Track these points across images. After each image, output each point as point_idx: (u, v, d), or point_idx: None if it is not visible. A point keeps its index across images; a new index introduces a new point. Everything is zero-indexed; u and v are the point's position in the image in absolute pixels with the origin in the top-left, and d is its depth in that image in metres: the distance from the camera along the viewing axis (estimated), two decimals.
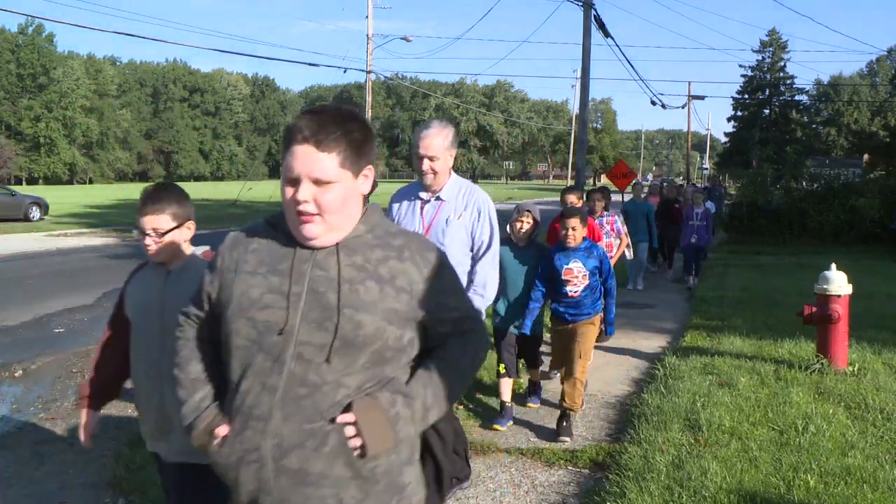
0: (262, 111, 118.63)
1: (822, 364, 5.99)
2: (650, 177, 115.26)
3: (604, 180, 63.84)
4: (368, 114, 33.19)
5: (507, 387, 5.10)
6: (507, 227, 4.79)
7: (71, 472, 4.34)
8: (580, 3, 17.94)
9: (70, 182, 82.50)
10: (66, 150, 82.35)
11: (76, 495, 4.03)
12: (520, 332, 5.04)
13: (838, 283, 6.06)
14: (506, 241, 4.76)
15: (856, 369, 6.03)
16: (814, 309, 6.10)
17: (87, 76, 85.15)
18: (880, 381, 5.70)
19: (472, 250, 3.76)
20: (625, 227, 8.21)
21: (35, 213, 24.47)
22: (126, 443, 4.67)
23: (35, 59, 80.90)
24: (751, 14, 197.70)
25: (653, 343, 7.72)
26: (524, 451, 4.59)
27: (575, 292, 4.96)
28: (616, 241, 7.89)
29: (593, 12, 18.02)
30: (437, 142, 3.57)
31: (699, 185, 31.53)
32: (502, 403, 5.14)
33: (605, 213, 7.87)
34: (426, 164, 3.60)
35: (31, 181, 77.40)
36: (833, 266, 6.15)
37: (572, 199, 6.65)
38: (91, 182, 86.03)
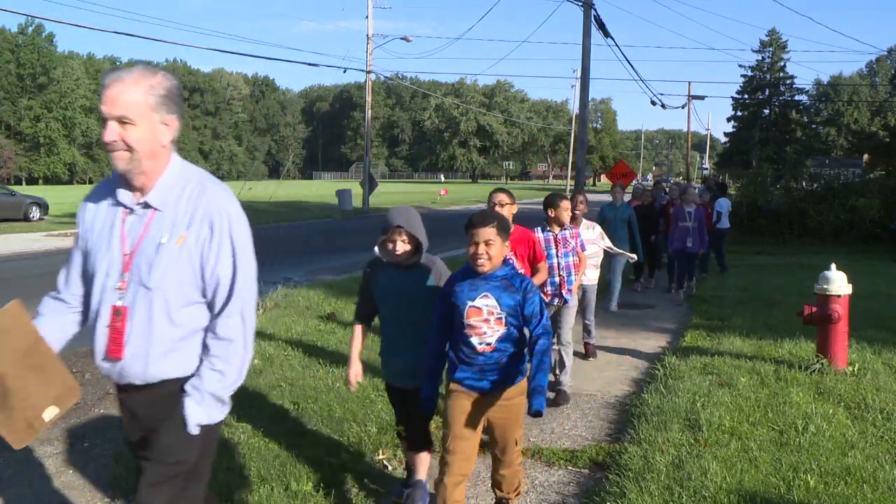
0: (262, 111, 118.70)
1: (822, 364, 5.99)
2: (650, 177, 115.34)
3: (604, 180, 63.88)
4: (368, 114, 33.23)
5: (419, 461, 3.74)
6: (377, 247, 3.52)
7: (71, 472, 4.34)
8: (580, 3, 17.95)
9: (70, 182, 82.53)
10: (65, 150, 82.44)
11: (76, 495, 4.03)
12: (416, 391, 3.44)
13: (838, 283, 6.06)
14: (377, 262, 3.62)
15: (856, 369, 6.03)
16: (814, 309, 6.10)
17: (87, 76, 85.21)
18: (880, 381, 5.70)
19: (205, 297, 2.29)
20: (605, 239, 7.09)
21: (35, 213, 24.48)
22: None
23: (35, 59, 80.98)
24: (751, 14, 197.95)
25: (653, 343, 7.72)
26: (524, 451, 4.57)
27: (485, 345, 3.15)
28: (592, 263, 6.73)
29: (593, 12, 18.04)
30: (132, 96, 2.10)
31: (670, 180, 29.98)
32: (414, 481, 3.76)
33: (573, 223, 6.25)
34: (113, 132, 2.11)
35: (31, 181, 77.46)
36: (833, 266, 6.15)
37: (501, 198, 4.77)
38: (91, 182, 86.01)
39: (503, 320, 3.18)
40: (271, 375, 6.07)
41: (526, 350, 3.26)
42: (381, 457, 4.38)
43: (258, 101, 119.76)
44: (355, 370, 3.72)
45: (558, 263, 5.54)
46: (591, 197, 10.46)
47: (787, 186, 20.04)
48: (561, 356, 5.64)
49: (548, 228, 5.63)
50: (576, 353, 6.52)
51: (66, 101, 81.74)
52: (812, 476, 3.86)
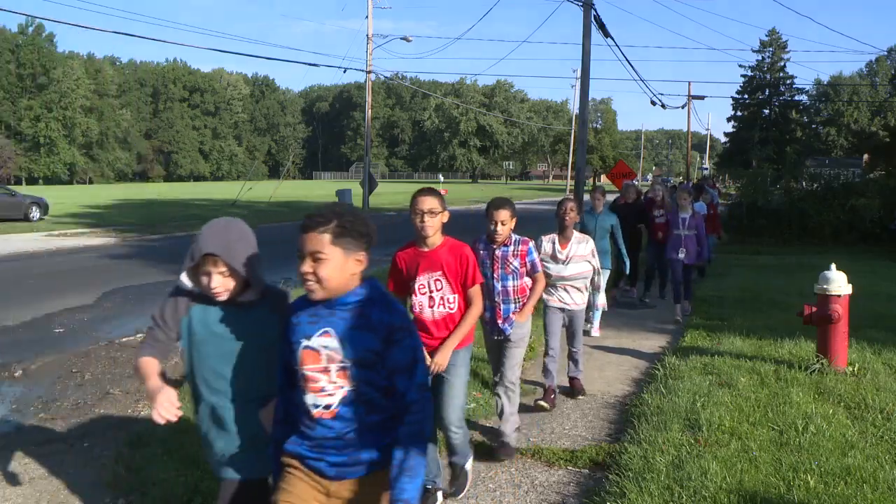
0: (262, 111, 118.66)
1: (822, 364, 5.99)
2: (650, 177, 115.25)
3: (604, 180, 63.89)
4: (368, 114, 33.23)
5: None
6: (184, 275, 2.52)
7: (71, 472, 4.34)
8: (580, 3, 17.94)
9: (70, 182, 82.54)
10: (65, 150, 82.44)
11: (76, 495, 4.03)
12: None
13: (838, 283, 6.06)
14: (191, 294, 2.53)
15: (856, 369, 6.03)
16: (814, 309, 6.10)
17: (86, 76, 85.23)
18: (880, 381, 5.69)
19: None
20: (595, 257, 5.80)
21: (35, 213, 24.48)
22: (126, 443, 4.67)
23: (35, 59, 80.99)
24: (751, 14, 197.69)
25: (653, 343, 7.72)
26: (524, 451, 4.59)
27: (323, 408, 2.17)
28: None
29: (593, 12, 18.02)
30: None
31: (687, 182, 28.39)
32: None
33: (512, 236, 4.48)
34: None
35: (31, 181, 77.45)
36: (833, 266, 6.15)
37: (428, 204, 3.62)
38: (91, 182, 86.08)
39: (347, 372, 2.11)
40: None
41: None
42: None
43: (258, 101, 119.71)
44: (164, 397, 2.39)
45: (492, 287, 4.43)
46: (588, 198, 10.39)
47: (787, 186, 20.03)
48: (501, 399, 4.49)
49: (487, 242, 4.46)
50: (561, 390, 5.78)
51: (66, 101, 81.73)
52: (812, 476, 3.86)
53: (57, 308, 9.53)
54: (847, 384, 5.61)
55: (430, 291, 3.69)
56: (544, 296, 5.45)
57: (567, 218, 5.60)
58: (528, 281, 4.55)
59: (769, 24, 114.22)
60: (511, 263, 4.44)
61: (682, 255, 8.86)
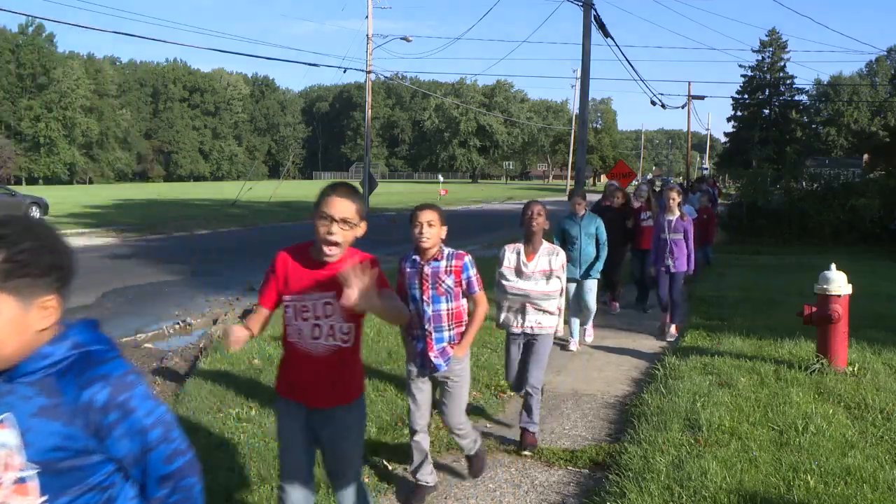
0: (262, 111, 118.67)
1: (822, 364, 5.99)
2: (650, 177, 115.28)
3: (604, 180, 63.81)
4: (368, 114, 33.25)
5: None
6: None
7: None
8: (580, 3, 17.95)
9: (70, 182, 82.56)
10: (65, 150, 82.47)
11: None
12: None
13: (838, 283, 6.06)
14: None
15: (856, 369, 6.03)
16: (814, 309, 6.10)
17: (86, 76, 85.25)
18: (880, 381, 5.69)
19: None
20: (558, 261, 4.63)
21: (35, 213, 24.49)
22: None
23: (35, 60, 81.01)
24: (751, 14, 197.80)
25: (653, 343, 7.72)
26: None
27: None
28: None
29: (593, 12, 18.03)
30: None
31: (671, 180, 26.77)
32: None
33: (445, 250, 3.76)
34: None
35: (31, 181, 77.48)
36: (833, 266, 6.15)
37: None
38: (91, 182, 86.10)
39: (27, 487, 1.39)
40: (271, 375, 6.06)
41: None
42: (381, 457, 4.38)
43: (258, 101, 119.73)
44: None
45: (419, 312, 3.68)
46: (592, 197, 10.25)
47: (787, 186, 20.03)
48: (417, 446, 3.82)
49: (414, 256, 3.72)
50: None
51: (66, 101, 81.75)
52: (812, 476, 3.86)
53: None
54: (847, 384, 5.61)
55: (317, 318, 2.75)
56: (501, 319, 4.66)
57: (534, 224, 4.59)
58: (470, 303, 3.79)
59: (769, 24, 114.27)
60: (443, 282, 3.66)
61: (668, 263, 7.81)
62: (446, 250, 3.70)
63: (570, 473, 4.30)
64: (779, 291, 10.34)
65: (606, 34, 19.23)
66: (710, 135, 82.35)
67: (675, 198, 7.89)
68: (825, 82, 70.20)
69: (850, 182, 20.36)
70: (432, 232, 3.58)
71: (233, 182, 79.24)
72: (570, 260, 6.75)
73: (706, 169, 62.06)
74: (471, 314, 3.79)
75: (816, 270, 6.55)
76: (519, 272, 4.59)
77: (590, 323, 7.67)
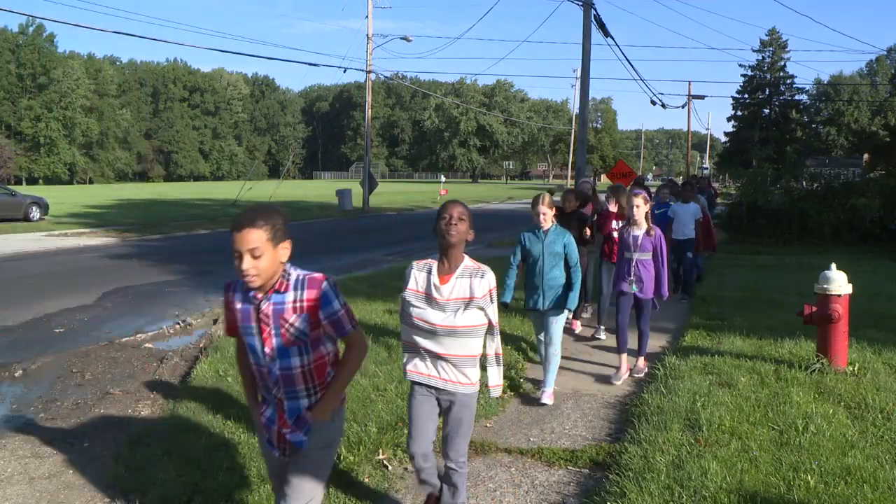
0: (262, 111, 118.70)
1: (822, 364, 5.99)
2: (650, 177, 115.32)
3: (604, 180, 63.85)
4: (368, 114, 33.25)
5: None
6: None
7: (71, 472, 4.34)
8: (580, 3, 17.95)
9: (70, 182, 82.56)
10: (66, 150, 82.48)
11: (76, 495, 4.03)
12: None
13: (838, 282, 6.06)
14: None
15: (856, 369, 6.03)
16: (814, 309, 6.10)
17: (87, 76, 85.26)
18: (880, 381, 5.69)
19: None
20: (493, 303, 3.35)
21: (35, 213, 24.48)
22: (126, 443, 4.67)
23: (35, 60, 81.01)
24: (751, 14, 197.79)
25: (653, 343, 7.69)
26: (524, 451, 4.59)
27: None
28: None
29: (593, 12, 18.04)
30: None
31: (671, 179, 24.10)
32: None
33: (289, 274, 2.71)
34: None
35: (31, 181, 77.49)
36: (833, 266, 6.15)
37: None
38: (91, 182, 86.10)
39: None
40: None
41: None
42: (381, 457, 4.38)
43: (258, 100, 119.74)
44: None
45: (260, 368, 2.68)
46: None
47: (787, 186, 20.01)
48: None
49: (245, 288, 2.67)
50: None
51: (67, 101, 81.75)
52: (812, 476, 3.86)
53: (57, 308, 9.53)
54: (847, 384, 5.61)
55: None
56: (407, 365, 3.37)
57: (452, 233, 3.24)
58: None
59: (769, 24, 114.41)
60: (291, 325, 2.58)
61: (633, 288, 6.24)
62: (295, 274, 2.61)
63: (571, 473, 4.30)
64: (779, 291, 10.34)
65: (606, 34, 19.25)
66: (710, 134, 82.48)
67: (640, 206, 6.18)
68: (825, 82, 70.29)
69: (850, 182, 20.34)
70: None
71: (233, 182, 79.27)
72: (530, 287, 5.62)
73: (706, 168, 62.10)
74: (342, 361, 2.74)
75: (816, 270, 6.55)
76: (429, 298, 3.26)
77: (552, 376, 5.67)
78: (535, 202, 5.61)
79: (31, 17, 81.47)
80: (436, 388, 3.31)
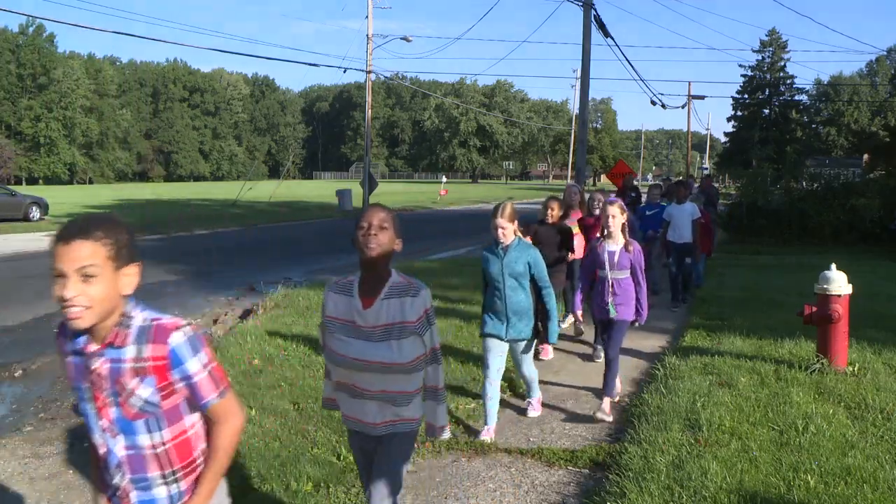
0: (262, 111, 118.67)
1: (822, 364, 5.99)
2: (650, 177, 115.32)
3: (604, 180, 63.87)
4: (368, 114, 33.26)
5: None
6: None
7: (71, 472, 4.34)
8: (580, 3, 17.96)
9: (70, 182, 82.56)
10: (65, 150, 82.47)
11: (76, 495, 4.03)
12: None
13: (838, 283, 6.06)
14: None
15: (856, 369, 6.03)
16: (814, 309, 6.10)
17: (87, 76, 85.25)
18: (880, 381, 5.70)
19: None
20: (434, 336, 2.77)
21: (35, 213, 24.48)
22: None
23: (35, 60, 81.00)
24: (751, 14, 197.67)
25: (653, 343, 7.71)
26: (524, 451, 4.59)
27: None
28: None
29: (593, 12, 18.04)
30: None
31: (671, 179, 21.97)
32: None
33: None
34: None
35: (31, 181, 77.47)
36: (833, 266, 6.15)
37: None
38: (91, 182, 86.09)
39: None
40: (271, 375, 6.07)
41: None
42: None
43: (258, 101, 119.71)
44: None
45: (97, 448, 1.95)
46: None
47: (787, 186, 20.02)
48: None
49: (70, 333, 2.00)
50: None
51: (67, 101, 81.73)
52: (812, 476, 3.86)
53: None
54: (847, 384, 5.62)
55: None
56: (331, 398, 2.92)
57: (372, 244, 2.63)
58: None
59: (769, 24, 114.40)
60: (132, 393, 1.87)
61: (613, 312, 5.34)
62: (136, 319, 1.89)
63: (571, 473, 4.30)
64: (779, 291, 10.33)
65: (606, 34, 19.26)
66: (710, 135, 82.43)
67: (616, 216, 5.28)
68: (825, 82, 70.24)
69: (850, 182, 20.35)
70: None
71: (233, 182, 79.28)
72: (490, 308, 4.89)
73: (706, 168, 62.07)
74: (211, 443, 1.99)
75: (816, 270, 6.55)
76: (353, 327, 2.66)
77: (536, 395, 5.36)
78: (494, 213, 4.79)
79: (31, 17, 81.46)
80: (360, 433, 2.76)
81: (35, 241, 18.46)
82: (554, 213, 6.98)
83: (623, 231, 5.34)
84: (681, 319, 8.89)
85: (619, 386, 5.72)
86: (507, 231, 4.78)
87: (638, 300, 5.40)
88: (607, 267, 5.33)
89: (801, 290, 9.13)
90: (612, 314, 5.34)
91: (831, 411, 4.95)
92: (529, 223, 6.81)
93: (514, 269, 4.79)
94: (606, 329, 5.46)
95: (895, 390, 5.47)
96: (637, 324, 5.49)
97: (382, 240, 2.65)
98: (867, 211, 17.97)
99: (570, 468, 4.36)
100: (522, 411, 5.37)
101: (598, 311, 5.47)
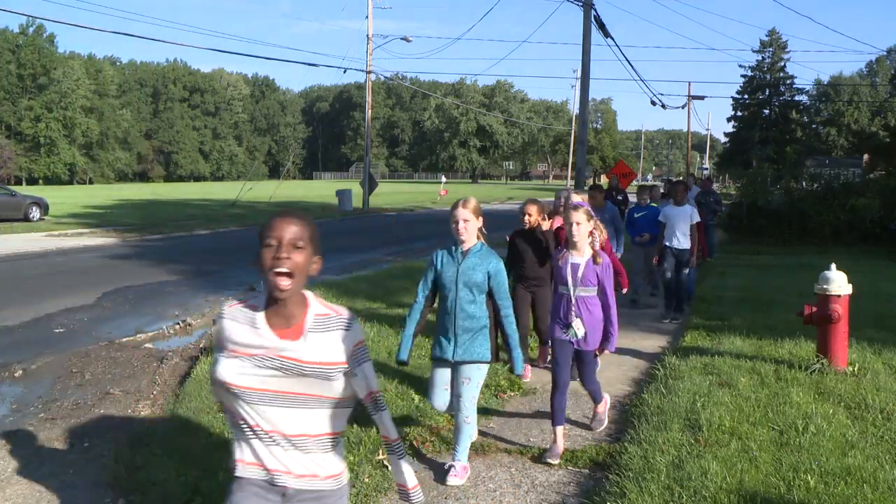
0: (262, 111, 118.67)
1: (822, 364, 5.99)
2: (650, 177, 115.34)
3: (604, 180, 63.78)
4: (368, 114, 33.26)
5: None
6: None
7: (71, 472, 4.34)
8: (580, 3, 17.97)
9: (70, 182, 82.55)
10: (66, 151, 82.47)
11: (76, 495, 4.03)
12: None
13: (838, 283, 6.06)
14: None
15: (856, 369, 6.03)
16: (814, 309, 6.10)
17: (87, 76, 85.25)
18: (880, 381, 5.70)
19: None
20: (370, 380, 2.18)
21: (35, 213, 24.48)
22: (126, 443, 4.67)
23: (35, 60, 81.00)
24: (751, 14, 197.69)
25: (653, 343, 7.71)
26: (524, 451, 4.59)
27: None
28: None
29: (593, 12, 18.05)
30: None
31: (671, 179, 21.16)
32: None
33: None
34: None
35: (31, 181, 77.46)
36: (833, 266, 6.15)
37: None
38: (91, 182, 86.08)
39: None
40: None
41: None
42: (381, 457, 4.37)
43: (258, 101, 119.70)
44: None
45: None
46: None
47: (787, 186, 20.02)
48: None
49: None
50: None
51: (67, 102, 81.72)
52: (812, 476, 3.86)
53: (57, 308, 9.53)
54: (847, 384, 5.62)
55: None
56: (238, 453, 2.14)
57: (283, 267, 2.01)
58: None
59: (769, 24, 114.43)
60: None
61: (574, 335, 4.53)
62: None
63: (571, 473, 4.30)
64: (779, 291, 10.33)
65: (606, 34, 19.27)
66: (710, 135, 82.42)
67: (581, 223, 4.48)
68: (825, 82, 70.28)
69: (850, 182, 20.35)
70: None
71: (233, 182, 79.27)
72: (440, 327, 4.13)
73: (706, 168, 62.11)
74: None
75: (816, 270, 6.55)
76: (260, 362, 2.09)
77: (463, 454, 4.18)
78: (455, 205, 4.10)
79: (31, 18, 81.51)
80: (282, 488, 2.08)
81: (35, 241, 18.47)
82: (532, 218, 5.95)
83: (592, 243, 4.54)
84: (681, 320, 8.89)
85: (602, 406, 5.06)
86: (470, 226, 4.05)
87: (607, 325, 4.58)
88: (570, 282, 4.50)
89: (801, 290, 9.13)
90: (575, 336, 4.50)
91: (831, 411, 4.95)
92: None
93: (471, 279, 4.02)
94: (561, 354, 4.58)
95: (895, 390, 5.47)
96: (603, 352, 4.69)
97: (299, 261, 2.02)
98: (867, 211, 17.97)
99: (570, 468, 4.36)
100: (441, 475, 4.14)
101: (556, 331, 4.58)
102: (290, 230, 2.04)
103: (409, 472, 2.29)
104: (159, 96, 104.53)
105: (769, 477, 3.90)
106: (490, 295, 4.09)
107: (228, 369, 2.03)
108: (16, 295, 10.50)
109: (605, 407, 5.05)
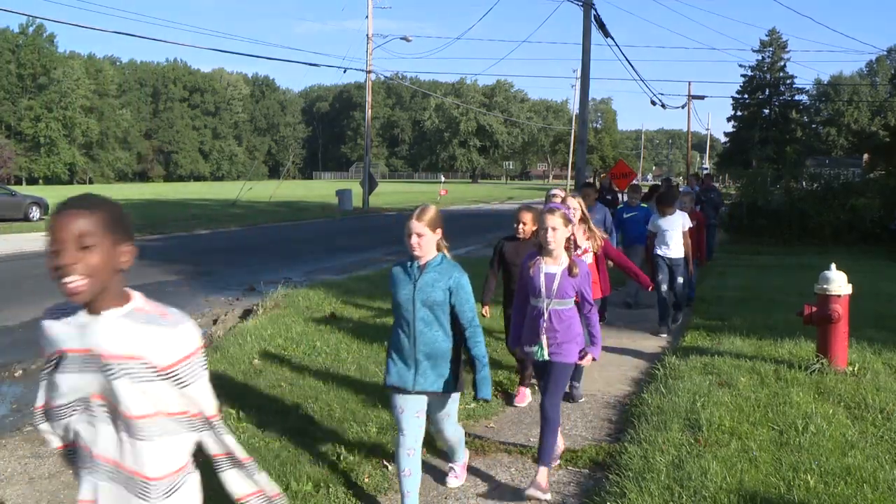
0: (262, 111, 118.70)
1: (822, 364, 5.99)
2: (650, 177, 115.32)
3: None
4: (368, 114, 33.26)
5: None
6: None
7: (71, 472, 4.34)
8: (580, 3, 17.97)
9: (70, 182, 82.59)
10: (66, 150, 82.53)
11: (76, 495, 4.02)
12: None
13: (838, 283, 6.06)
14: None
15: (856, 369, 6.03)
16: (814, 309, 6.10)
17: (87, 76, 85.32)
18: (880, 381, 5.69)
19: None
20: None
21: (35, 213, 24.48)
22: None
23: (35, 60, 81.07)
24: (751, 14, 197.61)
25: (653, 343, 7.71)
26: (524, 451, 4.59)
27: None
28: None
29: (593, 12, 18.05)
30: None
31: (672, 179, 20.57)
32: None
33: None
34: None
35: (31, 181, 77.51)
36: (833, 266, 6.15)
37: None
38: (91, 182, 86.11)
39: None
40: (271, 375, 6.07)
41: None
42: (380, 457, 4.37)
43: (258, 101, 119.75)
44: None
45: None
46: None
47: (787, 186, 20.03)
48: None
49: None
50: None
51: (67, 101, 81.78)
52: (812, 476, 3.86)
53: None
54: (847, 384, 5.61)
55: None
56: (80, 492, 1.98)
57: (69, 290, 1.65)
58: None
59: (769, 24, 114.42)
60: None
61: (540, 354, 4.02)
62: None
63: (570, 473, 4.30)
64: (779, 291, 10.33)
65: (606, 34, 19.27)
66: (710, 135, 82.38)
67: (557, 228, 3.96)
68: (825, 82, 70.31)
69: (850, 182, 20.36)
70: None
71: (233, 182, 79.29)
72: (395, 348, 3.62)
73: (706, 168, 62.06)
74: None
75: (816, 270, 6.55)
76: (83, 362, 1.81)
77: (461, 459, 4.14)
78: (410, 216, 3.61)
79: (31, 17, 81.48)
80: None
81: (35, 241, 18.46)
82: (526, 226, 5.32)
83: (568, 248, 4.03)
84: (680, 320, 8.89)
85: (561, 445, 4.43)
86: (425, 241, 3.51)
87: (590, 332, 4.13)
88: (543, 293, 3.98)
89: (801, 290, 9.12)
90: (541, 356, 3.99)
91: (831, 411, 4.95)
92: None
93: (430, 297, 3.50)
94: (541, 373, 4.09)
95: (895, 390, 5.47)
96: (586, 361, 4.12)
97: (91, 262, 1.64)
98: (867, 211, 17.98)
99: (570, 468, 4.36)
100: (441, 477, 4.20)
101: (526, 347, 4.12)
102: (72, 227, 1.63)
103: (268, 483, 2.05)
104: (159, 96, 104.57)
105: (769, 477, 3.90)
106: (454, 312, 3.54)
107: (50, 380, 1.84)
108: (16, 295, 10.50)
109: (547, 479, 3.96)
